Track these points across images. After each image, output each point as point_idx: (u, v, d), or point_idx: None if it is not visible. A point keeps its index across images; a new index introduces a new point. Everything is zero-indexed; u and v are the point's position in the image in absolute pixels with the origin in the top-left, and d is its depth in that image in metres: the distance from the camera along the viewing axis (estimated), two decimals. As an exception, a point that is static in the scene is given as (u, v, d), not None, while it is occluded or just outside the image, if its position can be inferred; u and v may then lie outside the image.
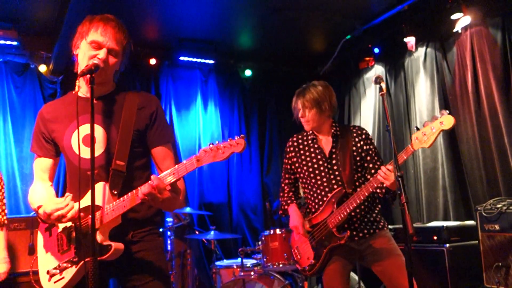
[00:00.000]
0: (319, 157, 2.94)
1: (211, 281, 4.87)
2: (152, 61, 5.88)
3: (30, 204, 2.15)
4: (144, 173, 2.13)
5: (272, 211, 5.24)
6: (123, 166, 2.01)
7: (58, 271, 1.97)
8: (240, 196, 6.26)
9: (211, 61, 6.21)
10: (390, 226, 4.39)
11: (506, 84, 4.31)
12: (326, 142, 2.97)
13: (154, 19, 5.23)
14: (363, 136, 2.93)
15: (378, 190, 2.71)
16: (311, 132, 3.02)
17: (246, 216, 6.23)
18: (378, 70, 5.83)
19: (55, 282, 1.98)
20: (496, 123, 4.35)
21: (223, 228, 5.86)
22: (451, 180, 4.77)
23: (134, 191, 1.92)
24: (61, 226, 2.04)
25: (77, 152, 1.99)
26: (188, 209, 5.28)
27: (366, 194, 2.65)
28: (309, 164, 2.97)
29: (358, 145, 2.91)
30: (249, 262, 4.52)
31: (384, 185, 2.58)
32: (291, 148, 3.10)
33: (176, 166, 1.89)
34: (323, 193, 2.89)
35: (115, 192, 1.97)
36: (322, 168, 2.91)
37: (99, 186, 1.96)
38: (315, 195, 2.94)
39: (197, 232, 5.52)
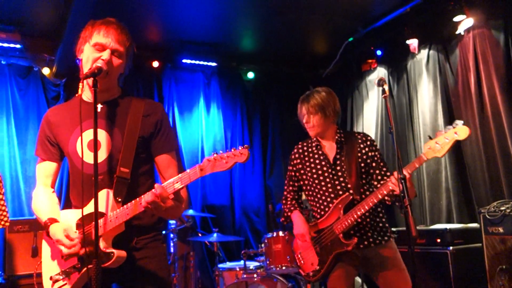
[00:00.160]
0: (323, 163, 2.94)
1: (214, 284, 4.87)
2: (155, 64, 5.89)
3: (34, 212, 2.14)
4: (148, 180, 2.13)
5: (275, 214, 5.23)
6: (127, 173, 2.01)
7: (61, 277, 1.97)
8: (242, 198, 6.26)
9: (214, 64, 6.23)
10: (393, 229, 4.40)
11: (509, 85, 4.30)
12: (330, 149, 2.97)
13: (157, 22, 5.25)
14: (368, 143, 2.92)
15: (386, 198, 2.69)
16: (315, 139, 3.03)
17: (249, 219, 6.23)
18: (380, 72, 5.83)
19: (58, 288, 1.99)
20: (499, 125, 4.33)
21: (226, 231, 5.85)
22: (454, 183, 4.76)
23: (138, 199, 1.92)
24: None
25: (83, 158, 1.99)
26: (191, 212, 5.29)
27: (375, 201, 2.64)
28: (314, 170, 2.97)
29: (364, 151, 2.90)
30: (252, 264, 4.51)
31: (394, 193, 2.58)
32: (296, 155, 3.10)
33: (180, 175, 1.89)
34: (328, 199, 2.88)
35: (119, 200, 1.97)
36: (326, 175, 2.91)
37: (103, 193, 1.96)
38: (320, 201, 2.93)
39: (200, 235, 5.52)
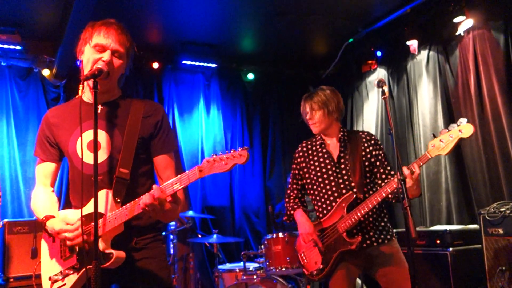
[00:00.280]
0: (327, 161, 2.93)
1: (214, 285, 4.86)
2: (155, 65, 5.90)
3: (33, 211, 2.15)
4: (147, 181, 2.13)
5: (274, 215, 5.24)
6: (127, 174, 2.01)
7: (60, 277, 1.98)
8: (242, 199, 6.26)
9: (214, 65, 6.24)
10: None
11: (509, 87, 4.30)
12: (334, 147, 2.97)
13: (157, 23, 5.26)
14: (373, 142, 2.92)
15: (390, 196, 2.68)
16: (319, 137, 3.03)
17: (249, 220, 6.23)
18: (380, 73, 5.83)
19: (57, 288, 1.99)
20: (499, 126, 4.33)
21: (225, 232, 5.85)
22: (454, 184, 4.76)
23: (136, 199, 1.92)
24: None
25: (82, 158, 2.00)
26: (190, 213, 5.29)
27: (379, 199, 2.64)
28: (317, 168, 2.96)
29: (368, 150, 2.90)
30: (251, 265, 4.51)
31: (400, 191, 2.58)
32: (300, 154, 3.10)
33: (179, 176, 1.89)
34: (331, 198, 2.88)
35: (118, 200, 1.97)
36: (330, 173, 2.90)
37: (102, 194, 1.97)
38: (322, 200, 2.92)
39: (199, 236, 5.52)
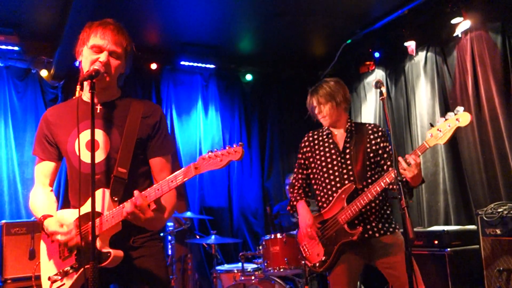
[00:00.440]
0: (333, 151, 2.93)
1: (212, 286, 4.86)
2: (153, 66, 5.89)
3: (31, 210, 2.15)
4: (145, 181, 2.13)
5: (272, 215, 5.24)
6: (125, 173, 2.01)
7: (59, 277, 1.98)
8: (240, 200, 6.26)
9: (212, 66, 6.24)
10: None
11: (507, 88, 4.31)
12: (341, 137, 2.97)
13: (155, 24, 5.25)
14: (380, 134, 2.92)
15: (391, 187, 2.67)
16: (326, 128, 3.03)
17: (247, 221, 6.23)
18: (378, 74, 5.84)
19: (56, 288, 1.99)
20: (496, 127, 4.35)
21: (223, 233, 5.85)
22: (452, 184, 4.77)
23: (123, 203, 1.91)
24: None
25: (80, 157, 2.00)
26: (188, 214, 5.29)
27: (379, 190, 2.64)
28: (323, 158, 2.96)
29: (374, 142, 2.90)
30: (250, 266, 4.52)
31: (404, 179, 2.57)
32: (306, 143, 3.10)
33: (175, 173, 1.89)
34: (334, 188, 2.88)
35: (116, 199, 1.97)
36: (335, 163, 2.90)
37: (100, 193, 1.97)
38: (325, 190, 2.92)
39: (197, 237, 5.51)
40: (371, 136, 2.92)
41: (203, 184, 6.07)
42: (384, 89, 2.49)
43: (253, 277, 4.13)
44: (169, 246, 5.12)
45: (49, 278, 2.00)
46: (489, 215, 3.82)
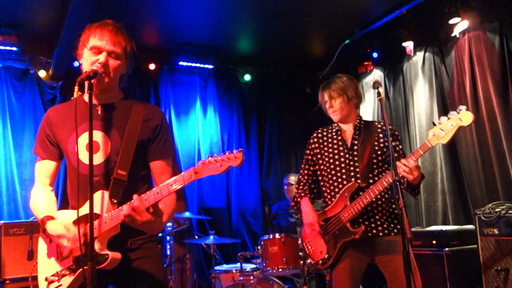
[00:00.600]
0: (341, 148, 2.93)
1: (211, 286, 4.87)
2: (152, 66, 5.90)
3: (32, 209, 2.15)
4: (145, 184, 2.13)
5: (271, 216, 5.24)
6: (124, 176, 2.01)
7: (56, 278, 1.97)
8: (239, 200, 6.27)
9: (210, 66, 6.24)
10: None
11: (504, 88, 4.32)
12: (349, 134, 2.96)
13: (154, 24, 5.26)
14: (389, 132, 2.92)
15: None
16: (335, 124, 3.03)
17: (246, 221, 6.23)
18: (376, 74, 5.85)
19: (53, 289, 1.99)
20: (494, 127, 4.35)
21: (222, 233, 5.85)
22: (450, 184, 4.78)
23: (121, 206, 1.92)
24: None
25: (79, 158, 2.00)
26: (187, 214, 5.29)
27: (381, 188, 2.62)
28: (331, 155, 2.95)
29: (382, 140, 2.88)
30: (248, 266, 4.52)
31: (405, 180, 2.57)
32: (315, 140, 3.08)
33: (175, 177, 1.89)
34: (340, 185, 2.87)
35: (115, 201, 1.97)
36: (342, 159, 2.89)
37: (99, 194, 1.97)
38: (331, 187, 2.92)
39: (196, 237, 5.52)
40: (380, 135, 2.90)
41: (201, 184, 6.08)
42: (381, 90, 2.50)
43: (251, 277, 4.14)
44: (168, 246, 5.12)
45: (46, 279, 1.99)
46: (487, 215, 3.83)
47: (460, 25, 4.65)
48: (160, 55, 5.92)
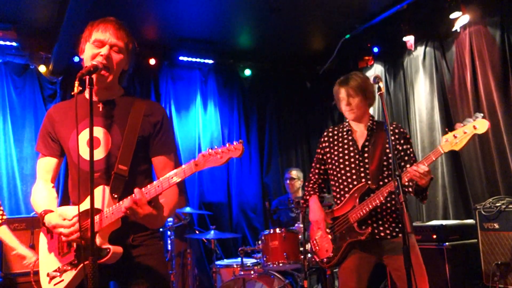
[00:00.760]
0: (351, 149, 2.91)
1: (211, 281, 4.88)
2: (152, 61, 5.89)
3: (32, 205, 2.16)
4: (146, 179, 2.13)
5: (271, 211, 5.25)
6: (125, 171, 2.01)
7: (58, 273, 1.98)
8: (240, 195, 6.28)
9: (211, 61, 6.24)
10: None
11: (505, 82, 4.32)
12: (360, 135, 2.94)
13: (154, 19, 5.24)
14: (401, 135, 2.89)
15: (409, 189, 2.66)
16: (347, 124, 3.01)
17: (246, 216, 6.25)
18: (377, 69, 5.84)
19: (55, 285, 1.99)
20: (495, 122, 4.35)
21: (223, 228, 5.87)
22: (450, 179, 4.78)
23: (121, 201, 1.92)
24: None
25: (80, 155, 2.01)
26: (188, 209, 5.30)
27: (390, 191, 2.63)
28: (341, 155, 2.94)
29: (393, 142, 2.85)
30: (249, 261, 4.53)
31: (414, 182, 2.57)
32: (326, 139, 3.07)
33: (175, 170, 1.89)
34: (350, 186, 2.86)
35: (116, 196, 1.98)
36: (353, 160, 2.88)
37: (99, 189, 1.97)
38: (341, 186, 2.91)
39: (197, 232, 5.53)
40: (392, 137, 2.86)
41: (202, 179, 6.09)
42: (382, 84, 2.48)
43: (252, 272, 4.15)
44: (169, 241, 5.13)
45: (47, 274, 2.00)
46: (487, 209, 3.84)
47: (461, 19, 4.64)
48: (160, 50, 5.91)
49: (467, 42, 4.65)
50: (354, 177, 2.86)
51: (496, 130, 4.35)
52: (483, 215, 3.86)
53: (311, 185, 3.13)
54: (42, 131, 2.19)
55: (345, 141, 2.96)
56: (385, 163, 2.82)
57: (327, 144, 3.05)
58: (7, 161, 5.09)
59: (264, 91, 6.73)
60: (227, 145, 1.83)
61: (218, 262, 4.69)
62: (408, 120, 5.39)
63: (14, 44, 5.11)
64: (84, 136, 2.05)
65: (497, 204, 3.80)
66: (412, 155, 2.87)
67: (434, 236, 4.03)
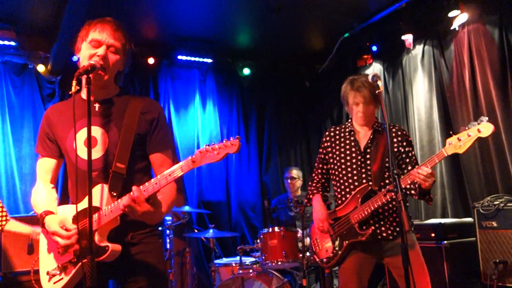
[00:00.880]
0: (353, 149, 2.92)
1: (210, 279, 4.89)
2: (151, 61, 5.89)
3: (33, 206, 2.16)
4: (144, 177, 2.13)
5: (270, 209, 5.26)
6: (123, 169, 2.02)
7: (57, 271, 1.99)
8: (239, 194, 6.28)
9: (209, 60, 6.23)
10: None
11: (503, 81, 4.32)
12: (363, 136, 2.94)
13: (153, 19, 5.24)
14: (404, 137, 2.90)
15: (413, 192, 2.68)
16: (349, 124, 3.01)
17: (245, 215, 6.25)
18: (376, 68, 5.84)
19: (54, 283, 2.00)
20: (493, 120, 4.32)
21: (222, 227, 5.87)
22: (449, 178, 4.79)
23: (119, 199, 1.93)
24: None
25: (78, 154, 2.01)
26: (187, 208, 5.30)
27: (392, 194, 2.61)
28: (342, 155, 2.94)
29: (395, 145, 2.87)
30: (248, 260, 4.54)
31: (417, 185, 2.58)
32: (327, 138, 3.07)
33: (173, 167, 1.90)
34: (351, 186, 2.87)
35: (114, 194, 1.98)
36: (354, 161, 2.89)
37: (98, 188, 1.98)
38: (342, 187, 2.92)
39: (196, 231, 5.54)
40: (394, 140, 2.89)
41: (201, 178, 6.09)
42: (380, 83, 2.49)
43: (251, 271, 4.16)
44: (168, 240, 5.14)
45: (47, 273, 2.01)
46: (486, 207, 3.85)
47: (459, 18, 4.64)
48: (159, 49, 5.91)
49: (466, 41, 4.65)
50: (355, 178, 2.86)
51: (494, 128, 4.35)
52: (482, 213, 3.87)
53: (314, 184, 3.13)
54: (40, 132, 2.20)
55: (347, 141, 2.96)
56: (387, 164, 2.83)
57: (329, 144, 3.05)
58: (6, 161, 5.09)
59: (263, 90, 6.73)
60: (224, 141, 1.85)
61: (217, 261, 4.70)
62: (406, 119, 5.40)
63: (12, 43, 5.10)
64: (81, 135, 2.05)
65: (495, 203, 3.81)
66: (413, 158, 2.88)
67: (433, 235, 4.04)
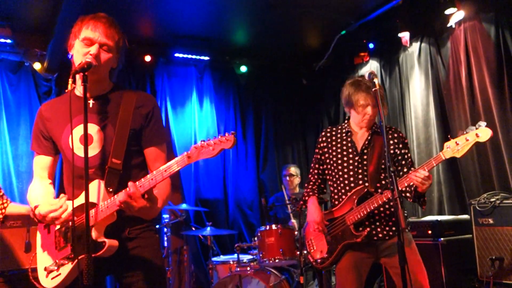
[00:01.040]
0: (350, 150, 2.91)
1: (208, 277, 4.90)
2: (147, 58, 5.88)
3: (28, 202, 2.16)
4: (140, 172, 2.14)
5: (268, 207, 5.26)
6: (119, 164, 2.02)
7: (55, 267, 1.99)
8: (236, 192, 6.28)
9: (206, 58, 6.23)
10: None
11: (500, 78, 4.33)
12: (361, 137, 2.94)
13: (149, 16, 5.23)
14: (399, 139, 2.90)
15: (408, 194, 2.69)
16: (346, 125, 3.00)
17: (242, 212, 6.26)
18: (373, 65, 5.85)
19: (52, 279, 2.00)
20: (490, 118, 4.37)
21: (219, 224, 5.87)
22: (445, 175, 4.80)
23: (115, 195, 1.93)
24: (58, 223, 2.06)
25: (74, 151, 2.01)
26: (184, 206, 5.31)
27: (390, 196, 2.59)
28: (339, 156, 2.94)
29: (391, 146, 2.87)
30: (245, 257, 4.55)
31: (412, 188, 2.58)
32: (324, 139, 3.06)
33: (168, 163, 1.91)
34: (347, 187, 2.87)
35: (111, 190, 1.99)
36: (351, 162, 2.89)
37: (95, 184, 1.98)
38: (338, 188, 2.92)
39: (193, 229, 5.54)
40: (390, 142, 2.89)
41: (198, 176, 6.09)
42: (377, 80, 2.49)
43: (248, 268, 4.16)
44: (165, 238, 5.14)
45: (45, 269, 2.02)
46: (482, 204, 3.86)
47: (456, 15, 4.65)
48: (156, 47, 5.89)
49: (462, 38, 4.66)
50: (352, 179, 2.86)
51: (490, 125, 4.28)
52: (478, 210, 3.88)
53: (310, 186, 3.13)
54: (35, 130, 2.20)
55: (344, 142, 2.96)
56: (383, 166, 2.83)
57: (325, 144, 3.05)
58: (2, 159, 5.08)
59: (260, 88, 6.73)
60: (219, 136, 1.85)
61: (214, 259, 4.71)
62: (403, 116, 5.41)
63: (8, 41, 5.09)
64: (77, 133, 2.05)
65: (492, 200, 3.82)
66: (409, 160, 2.88)
67: (429, 232, 4.06)
